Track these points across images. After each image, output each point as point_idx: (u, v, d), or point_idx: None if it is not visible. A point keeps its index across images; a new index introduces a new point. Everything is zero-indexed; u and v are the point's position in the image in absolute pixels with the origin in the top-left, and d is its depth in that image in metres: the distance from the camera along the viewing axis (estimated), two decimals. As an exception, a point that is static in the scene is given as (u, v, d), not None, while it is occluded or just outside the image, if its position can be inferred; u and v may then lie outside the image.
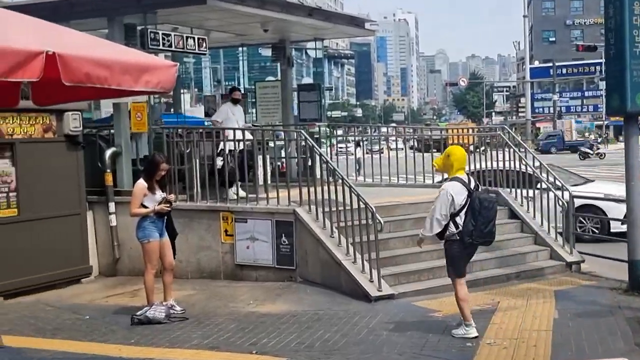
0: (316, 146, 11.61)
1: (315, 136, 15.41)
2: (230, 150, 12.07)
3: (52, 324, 9.46)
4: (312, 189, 11.23)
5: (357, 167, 19.30)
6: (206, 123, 19.85)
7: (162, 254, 9.49)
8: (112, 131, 13.43)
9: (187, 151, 12.51)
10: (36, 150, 11.51)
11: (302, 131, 11.89)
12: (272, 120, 17.75)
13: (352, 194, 10.56)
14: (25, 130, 11.42)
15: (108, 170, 12.78)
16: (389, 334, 8.36)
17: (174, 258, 9.77)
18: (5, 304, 10.39)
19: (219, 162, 12.12)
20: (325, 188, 11.12)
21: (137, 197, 9.36)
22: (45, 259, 11.49)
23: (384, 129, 22.76)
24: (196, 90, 62.32)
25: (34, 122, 11.54)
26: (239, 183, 12.11)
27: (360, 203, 10.46)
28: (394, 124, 62.39)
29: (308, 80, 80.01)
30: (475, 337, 8.12)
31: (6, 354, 6.69)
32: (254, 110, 21.19)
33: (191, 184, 12.32)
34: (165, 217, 9.50)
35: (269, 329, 8.71)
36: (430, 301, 9.95)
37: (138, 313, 9.27)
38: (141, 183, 9.41)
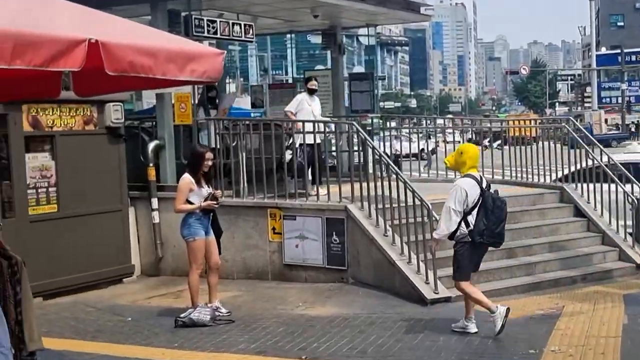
0: (369, 139, 11.52)
1: (367, 128, 15.32)
2: (300, 144, 11.98)
3: (93, 326, 9.53)
4: (364, 185, 11.15)
5: (427, 162, 18.94)
6: (252, 114, 19.94)
7: (207, 253, 9.47)
8: (154, 123, 13.50)
9: (233, 144, 12.51)
10: (76, 143, 11.61)
11: (354, 123, 11.81)
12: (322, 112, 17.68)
13: (407, 190, 10.47)
14: (65, 122, 11.52)
15: (151, 165, 12.86)
16: (446, 339, 8.26)
17: (220, 254, 9.75)
18: (44, 304, 10.50)
19: (288, 155, 12.04)
20: (379, 183, 11.04)
21: (183, 192, 9.35)
22: (85, 258, 11.60)
23: (439, 121, 22.52)
24: (242, 80, 62.63)
25: (74, 114, 11.64)
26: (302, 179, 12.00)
27: (416, 199, 10.37)
28: (450, 115, 61.99)
29: (360, 69, 79.80)
30: (475, 332, 8.39)
31: (47, 358, 6.72)
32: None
33: (237, 179, 12.32)
34: (211, 214, 9.48)
35: (319, 333, 8.65)
36: (490, 305, 9.81)
37: (182, 315, 9.28)
38: (187, 177, 9.39)
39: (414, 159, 20.94)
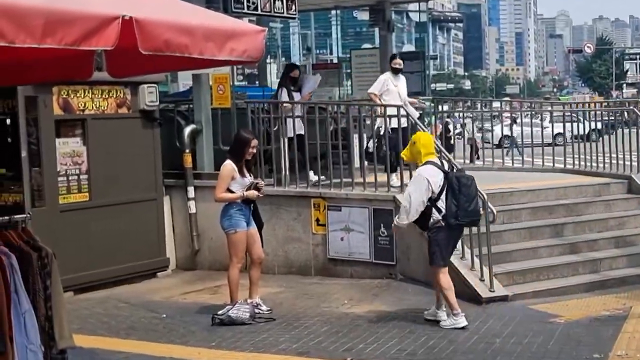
0: (419, 123, 11.44)
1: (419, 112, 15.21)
2: (391, 130, 11.79)
3: (126, 323, 9.63)
4: (413, 173, 11.09)
5: (515, 146, 18.57)
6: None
7: (249, 245, 9.50)
8: (191, 106, 13.56)
9: (275, 129, 12.52)
10: (109, 128, 11.72)
11: (404, 106, 11.75)
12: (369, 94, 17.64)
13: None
14: (97, 105, 11.63)
15: (187, 151, 12.92)
16: (502, 342, 8.20)
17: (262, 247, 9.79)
18: (75, 299, 10.62)
19: (371, 143, 11.96)
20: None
21: (225, 179, 9.38)
22: (118, 250, 11.72)
23: (496, 104, 22.34)
24: (284, 59, 62.65)
25: (106, 96, 11.74)
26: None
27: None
28: (507, 98, 61.43)
29: (410, 47, 79.34)
30: (465, 326, 8.71)
31: (78, 356, 6.80)
32: (348, 82, 21.15)
33: (279, 167, 12.33)
34: (252, 205, 9.51)
35: (366, 333, 8.65)
36: (550, 304, 9.77)
37: (219, 312, 9.33)
38: (229, 164, 9.42)
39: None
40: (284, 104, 12.47)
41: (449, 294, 8.83)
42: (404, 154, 9.22)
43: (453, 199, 8.65)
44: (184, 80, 21.06)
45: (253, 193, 9.35)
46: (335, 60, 58.87)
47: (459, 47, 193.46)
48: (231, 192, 9.36)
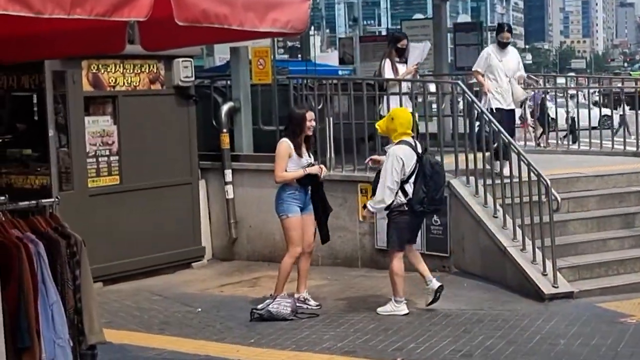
0: (476, 100, 11.39)
1: (475, 89, 15.14)
2: (494, 110, 11.71)
3: (158, 317, 9.72)
4: (470, 156, 11.08)
5: (626, 128, 18.28)
6: (340, 72, 19.91)
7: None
8: (229, 82, 13.60)
9: (319, 107, 12.53)
10: (141, 105, 11.82)
11: (460, 82, 11.69)
12: (420, 69, 17.58)
13: (522, 163, 10.34)
14: (129, 81, 11.72)
15: (224, 130, 12.97)
16: (567, 343, 8.17)
17: (328, 240, 9.91)
18: (104, 290, 10.72)
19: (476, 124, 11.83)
20: (488, 155, 10.93)
21: (282, 157, 9.44)
22: (150, 238, 11.83)
23: (560, 80, 22.10)
24: (328, 31, 62.57)
25: (138, 71, 11.83)
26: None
27: (532, 174, 10.24)
28: (572, 74, 60.75)
29: (466, 18, 78.59)
30: (406, 314, 9.17)
31: (107, 352, 6.89)
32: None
33: (323, 149, 12.32)
34: (309, 189, 9.55)
35: (417, 332, 8.66)
36: (620, 302, 9.71)
37: (259, 307, 9.38)
38: (285, 141, 9.49)
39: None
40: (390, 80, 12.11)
41: (398, 280, 9.27)
42: (379, 125, 9.51)
43: (423, 184, 9.05)
44: (221, 53, 21.08)
45: (315, 168, 9.44)
46: (384, 32, 58.70)
47: (519, 18, 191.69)
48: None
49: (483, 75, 12.33)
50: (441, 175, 9.30)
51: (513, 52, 12.68)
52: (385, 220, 9.66)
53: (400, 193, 9.09)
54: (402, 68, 12.37)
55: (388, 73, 12.22)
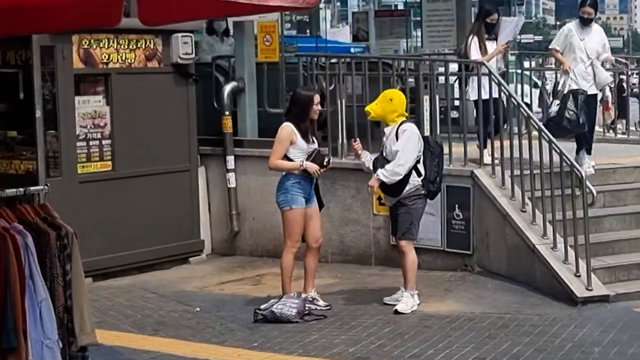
0: (503, 83, 11.37)
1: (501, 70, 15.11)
2: (572, 93, 11.58)
3: (153, 317, 9.75)
4: (496, 144, 11.09)
5: None
6: (353, 50, 19.90)
7: (305, 226, 9.57)
8: (232, 60, 13.61)
9: (331, 88, 12.53)
10: (136, 84, 11.83)
11: (485, 62, 11.67)
12: (443, 47, 17.57)
13: (553, 151, 10.34)
14: (123, 58, 11.73)
15: (227, 113, 12.97)
16: (602, 352, 8.18)
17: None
18: (94, 287, 10.73)
19: (554, 107, 11.72)
20: (516, 142, 10.93)
21: (282, 143, 9.46)
22: (144, 231, 11.85)
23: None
24: (339, 4, 62.35)
25: (134, 47, 11.84)
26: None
27: (564, 165, 10.23)
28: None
29: (491, -9, 78.51)
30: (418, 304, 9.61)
31: (98, 355, 6.93)
32: (418, 33, 21.04)
33: (335, 134, 12.33)
34: (315, 179, 9.59)
35: (436, 337, 8.67)
36: (661, 307, 9.72)
37: (262, 307, 9.41)
38: (288, 126, 9.49)
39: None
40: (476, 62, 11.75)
41: (415, 272, 9.75)
42: (372, 109, 9.75)
43: (434, 163, 9.59)
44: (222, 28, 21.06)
45: (313, 166, 9.41)
46: (401, 7, 58.50)
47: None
48: (289, 160, 9.43)
49: (562, 54, 12.09)
50: (443, 156, 9.90)
51: (598, 31, 12.30)
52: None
53: (414, 174, 9.44)
54: (491, 46, 12.04)
55: (475, 52, 11.88)
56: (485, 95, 11.36)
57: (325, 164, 9.53)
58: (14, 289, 5.72)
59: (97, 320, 8.61)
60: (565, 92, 11.64)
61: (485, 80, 11.35)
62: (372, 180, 9.59)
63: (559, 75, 12.17)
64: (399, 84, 12.39)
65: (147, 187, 11.93)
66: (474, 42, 11.99)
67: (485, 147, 11.54)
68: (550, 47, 12.45)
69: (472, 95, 11.75)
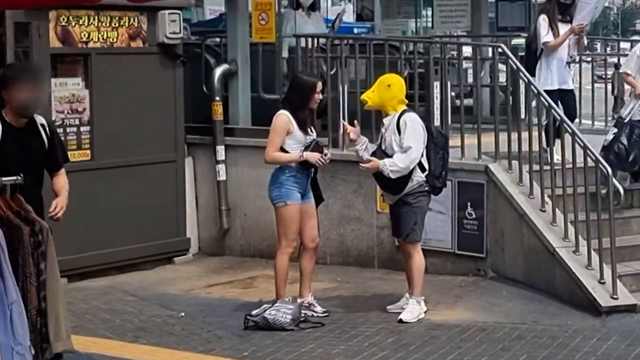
0: (522, 68, 11.38)
1: (520, 54, 15.16)
2: (632, 124, 11.32)
3: (134, 322, 9.76)
4: (514, 136, 11.10)
5: None
6: (356, 30, 19.91)
7: (301, 224, 9.60)
8: (223, 40, 13.61)
9: (332, 73, 12.54)
10: (119, 65, 11.84)
11: (502, 45, 11.67)
12: (455, 29, 17.57)
13: (577, 145, 10.36)
14: (104, 36, 11.75)
15: (217, 98, 12.97)
16: (627, 367, 8.22)
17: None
18: (69, 288, 10.73)
19: (610, 135, 11.40)
20: (535, 134, 10.96)
21: (278, 134, 9.48)
22: (125, 227, 11.88)
23: (623, 45, 21.99)
24: (342, -21, 62.33)
25: (116, 25, 11.86)
26: None
27: (589, 159, 10.24)
28: (637, 37, 60.38)
29: (509, -34, 78.53)
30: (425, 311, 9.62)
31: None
32: (428, 12, 21.03)
33: (335, 122, 12.34)
34: (312, 172, 9.63)
35: (445, 348, 8.68)
36: (694, 319, 9.71)
37: (254, 313, 9.42)
38: (285, 114, 9.51)
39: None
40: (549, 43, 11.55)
41: (422, 276, 9.75)
42: (369, 97, 9.70)
43: (439, 156, 9.56)
44: (212, 4, 21.07)
45: (314, 155, 9.42)
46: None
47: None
48: (286, 152, 9.45)
49: (634, 77, 11.71)
50: (448, 148, 9.87)
51: None
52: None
53: (417, 169, 9.41)
54: (563, 28, 11.70)
55: (544, 34, 11.57)
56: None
57: (323, 156, 9.55)
58: (-18, 290, 5.74)
59: (72, 325, 8.60)
60: (626, 120, 11.47)
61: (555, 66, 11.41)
62: (374, 162, 9.45)
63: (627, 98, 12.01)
64: (406, 69, 12.40)
65: (129, 179, 11.95)
66: (543, 22, 11.64)
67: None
68: (620, 70, 12.33)
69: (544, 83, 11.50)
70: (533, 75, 11.34)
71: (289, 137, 9.45)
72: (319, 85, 9.63)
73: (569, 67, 11.98)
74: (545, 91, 11.06)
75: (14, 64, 9.90)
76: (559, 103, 11.30)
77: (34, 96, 7.22)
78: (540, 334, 9.15)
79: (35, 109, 7.33)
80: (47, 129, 7.41)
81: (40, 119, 7.40)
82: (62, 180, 7.56)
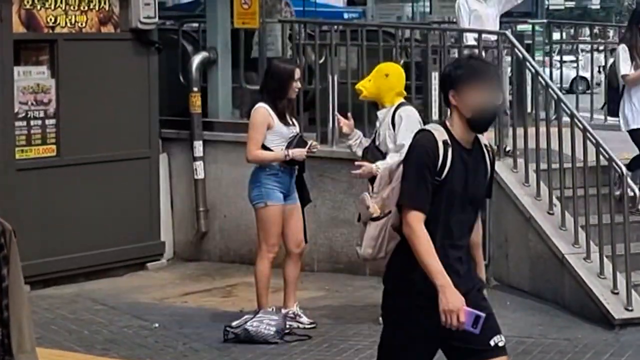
0: (529, 57, 11.40)
1: (526, 42, 15.15)
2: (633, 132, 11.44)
3: (103, 334, 9.76)
4: (519, 131, 11.15)
5: None
6: (347, 16, 19.95)
7: (284, 227, 9.61)
8: (202, 26, 13.60)
9: (321, 61, 12.55)
10: (88, 53, 11.85)
11: (507, 33, 11.69)
12: (455, 14, 17.59)
13: (588, 142, 10.39)
14: (72, 21, 11.74)
15: (195, 89, 12.97)
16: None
17: (305, 242, 9.99)
18: (33, 296, 10.66)
19: None
20: (543, 130, 10.99)
21: (258, 129, 9.50)
22: (93, 229, 11.85)
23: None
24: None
25: (85, 9, 11.84)
26: None
27: (601, 157, 10.28)
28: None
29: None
30: None
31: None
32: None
33: (324, 116, 12.34)
34: (296, 170, 9.65)
35: (444, 363, 8.71)
36: None
37: (234, 324, 9.43)
38: (263, 108, 9.52)
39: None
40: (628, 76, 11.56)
41: None
42: (364, 86, 9.71)
43: None
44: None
45: (301, 152, 9.46)
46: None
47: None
48: (267, 149, 9.46)
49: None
50: None
51: None
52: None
53: None
54: None
55: (624, 65, 11.55)
56: None
57: (310, 147, 9.57)
58: (-64, 298, 5.74)
59: (35, 336, 8.63)
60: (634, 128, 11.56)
61: None
62: (367, 167, 9.42)
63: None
64: (402, 58, 12.41)
65: (98, 177, 11.94)
66: (623, 53, 11.62)
67: None
68: (621, 74, 12.27)
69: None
70: (617, 116, 11.46)
71: (269, 133, 9.47)
72: (297, 72, 9.65)
73: None
74: (633, 130, 11.24)
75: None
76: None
77: None
78: (547, 348, 9.20)
79: None
80: None
81: None
82: None
